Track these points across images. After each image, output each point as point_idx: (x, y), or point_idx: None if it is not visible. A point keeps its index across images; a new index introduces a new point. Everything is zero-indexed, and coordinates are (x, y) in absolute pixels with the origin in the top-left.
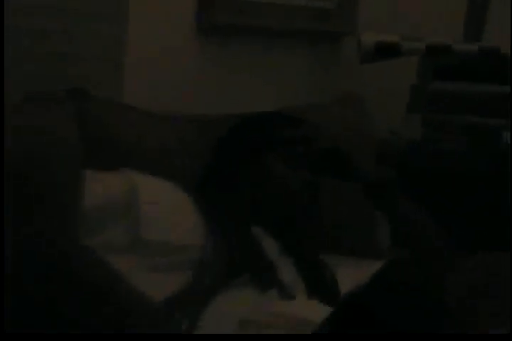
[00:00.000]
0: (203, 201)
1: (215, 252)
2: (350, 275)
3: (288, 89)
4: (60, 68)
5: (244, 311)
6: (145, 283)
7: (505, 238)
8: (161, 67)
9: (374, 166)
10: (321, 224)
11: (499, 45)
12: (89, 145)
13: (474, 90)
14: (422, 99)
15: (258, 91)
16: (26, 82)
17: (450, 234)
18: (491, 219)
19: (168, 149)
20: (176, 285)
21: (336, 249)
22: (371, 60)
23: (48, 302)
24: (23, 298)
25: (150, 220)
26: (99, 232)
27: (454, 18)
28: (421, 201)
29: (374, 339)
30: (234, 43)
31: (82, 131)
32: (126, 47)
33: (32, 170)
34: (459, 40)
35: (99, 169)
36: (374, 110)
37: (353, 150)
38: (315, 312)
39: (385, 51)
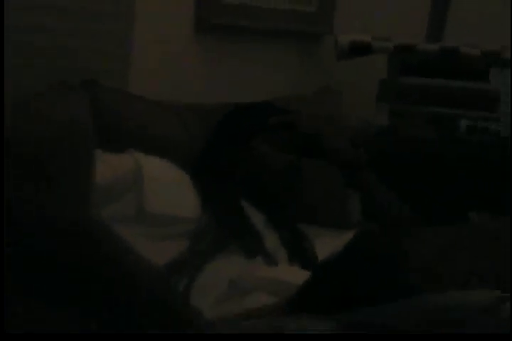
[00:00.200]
0: (199, 179)
1: (209, 223)
2: (326, 244)
3: (275, 82)
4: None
5: (234, 274)
6: (148, 250)
7: (461, 211)
8: (163, 62)
9: (348, 149)
10: (301, 199)
11: (458, 44)
12: (100, 129)
13: (435, 84)
14: (390, 92)
15: (249, 84)
16: (39, 74)
17: (413, 208)
18: (448, 196)
19: (169, 133)
20: (175, 252)
21: (314, 221)
22: (346, 57)
23: (61, 267)
24: (37, 266)
25: (153, 195)
26: (108, 206)
27: (418, 21)
28: (388, 180)
29: (374, 339)
30: (229, 42)
31: (95, 116)
32: (132, 45)
33: (52, 147)
34: (422, 40)
35: (109, 150)
36: (349, 100)
37: (330, 135)
38: (295, 276)
39: (359, 49)
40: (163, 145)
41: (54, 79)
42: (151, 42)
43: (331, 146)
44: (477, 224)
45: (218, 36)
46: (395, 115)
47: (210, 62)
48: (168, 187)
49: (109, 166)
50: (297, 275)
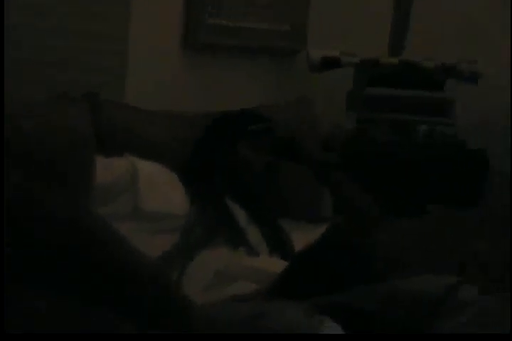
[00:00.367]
0: (188, 179)
1: (197, 219)
2: (301, 236)
3: (255, 93)
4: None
5: (220, 265)
6: (143, 243)
7: (419, 207)
8: (155, 76)
9: (321, 152)
10: (279, 196)
11: (417, 58)
12: (99, 136)
13: (397, 94)
14: (357, 101)
15: (232, 94)
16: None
17: (379, 203)
18: (410, 191)
19: (161, 139)
20: (167, 245)
21: (290, 216)
22: (318, 71)
23: (61, 259)
24: (36, 259)
25: (147, 194)
26: (106, 203)
27: (381, 37)
28: (357, 178)
29: (373, 339)
30: (213, 57)
31: (94, 124)
32: (127, 61)
33: (54, 154)
34: (385, 54)
35: (108, 155)
36: (322, 109)
37: (305, 140)
38: (275, 265)
39: (329, 64)
40: (155, 151)
41: (57, 92)
42: (144, 58)
43: (304, 149)
44: (434, 216)
45: (204, 52)
46: (362, 122)
47: (196, 76)
48: (161, 187)
49: (107, 169)
50: (277, 265)
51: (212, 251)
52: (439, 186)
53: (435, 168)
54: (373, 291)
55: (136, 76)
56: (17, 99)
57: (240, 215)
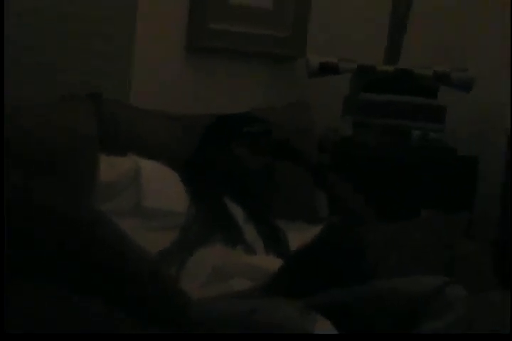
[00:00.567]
0: (189, 178)
1: (196, 217)
2: (297, 236)
3: (255, 96)
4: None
5: (218, 262)
6: (144, 240)
7: (411, 210)
8: (159, 78)
9: (316, 154)
10: (275, 196)
11: (412, 66)
12: (104, 136)
13: (392, 100)
14: (353, 106)
15: (232, 97)
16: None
17: (372, 205)
18: (403, 196)
19: (163, 140)
20: (166, 242)
21: (286, 216)
22: (316, 76)
23: (62, 256)
24: (42, 254)
25: (148, 192)
26: (109, 201)
27: (378, 45)
28: (351, 180)
29: (373, 339)
30: (215, 61)
31: (99, 125)
32: (132, 64)
33: (58, 153)
34: (381, 62)
35: (111, 154)
36: (318, 113)
37: (301, 142)
38: (271, 263)
39: (327, 70)
40: (157, 150)
41: (63, 93)
42: (148, 61)
43: (300, 151)
44: (426, 219)
45: (206, 56)
46: (357, 126)
47: (198, 78)
48: (162, 186)
49: (111, 167)
50: (273, 263)
51: (210, 249)
52: (430, 190)
53: (427, 172)
54: (363, 291)
55: (140, 78)
56: (21, 100)
57: (238, 214)
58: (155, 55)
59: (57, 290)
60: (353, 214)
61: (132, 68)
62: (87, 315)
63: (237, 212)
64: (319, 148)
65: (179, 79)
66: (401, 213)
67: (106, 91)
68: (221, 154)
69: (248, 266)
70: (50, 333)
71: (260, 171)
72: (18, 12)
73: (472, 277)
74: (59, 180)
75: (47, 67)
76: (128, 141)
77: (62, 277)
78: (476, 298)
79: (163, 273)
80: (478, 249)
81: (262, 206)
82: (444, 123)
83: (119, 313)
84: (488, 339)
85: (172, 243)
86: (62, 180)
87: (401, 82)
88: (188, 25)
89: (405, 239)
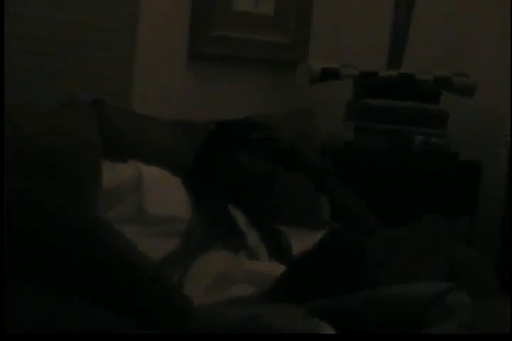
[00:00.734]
0: (191, 184)
1: (199, 223)
2: (299, 241)
3: (257, 102)
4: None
5: (220, 268)
6: (146, 246)
7: (413, 215)
8: (161, 84)
9: (318, 160)
10: (278, 202)
11: (414, 71)
12: (105, 142)
13: (394, 105)
14: (355, 112)
15: (234, 103)
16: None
17: (375, 210)
18: (403, 202)
19: (165, 146)
20: (169, 248)
21: (289, 222)
22: (318, 82)
23: (66, 259)
24: (47, 258)
25: (151, 198)
26: (112, 207)
27: (380, 51)
28: (353, 186)
29: (373, 339)
30: (217, 68)
31: (102, 131)
32: (135, 71)
33: (61, 159)
34: (383, 67)
35: (114, 160)
36: (320, 118)
37: (303, 148)
38: (274, 269)
39: (329, 75)
40: (159, 156)
41: (66, 99)
42: (150, 68)
43: (302, 157)
44: (428, 225)
45: (207, 63)
46: (359, 131)
47: (200, 85)
48: (164, 191)
49: (114, 173)
50: (275, 269)
51: (213, 255)
52: (432, 196)
53: (429, 177)
54: (365, 296)
55: (142, 84)
56: (25, 105)
57: (240, 220)
58: (157, 61)
59: (57, 291)
60: (355, 219)
61: (134, 75)
62: (87, 315)
63: (240, 217)
64: (321, 154)
65: (181, 86)
66: (403, 218)
67: (108, 98)
68: (223, 160)
69: (251, 271)
70: (50, 333)
71: (262, 177)
72: (17, 20)
73: (473, 283)
74: (61, 187)
75: (49, 73)
76: (130, 147)
77: (62, 280)
78: (477, 304)
79: (165, 279)
80: (479, 254)
81: (265, 212)
82: (446, 128)
83: (119, 315)
84: (489, 340)
85: (174, 249)
86: (64, 187)
87: (403, 88)
88: (189, 32)
89: (407, 244)
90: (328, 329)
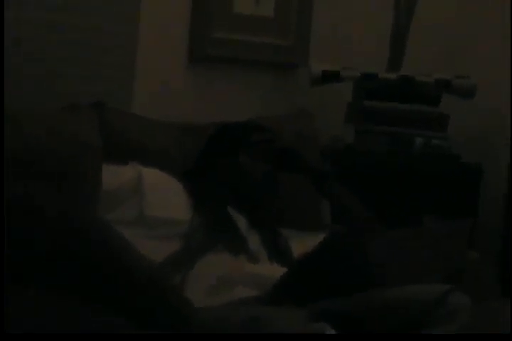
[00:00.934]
0: (192, 186)
1: (200, 225)
2: (300, 244)
3: (257, 104)
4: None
5: (221, 270)
6: (146, 248)
7: (414, 217)
8: (161, 87)
9: (319, 162)
10: (278, 205)
11: (414, 73)
12: (106, 145)
13: (394, 107)
14: (355, 114)
15: (235, 105)
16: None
17: (375, 212)
18: (404, 203)
19: (165, 148)
20: (170, 251)
21: (290, 224)
22: (319, 84)
23: (65, 261)
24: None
25: (151, 201)
26: (112, 210)
27: (380, 53)
28: (354, 188)
29: (372, 339)
30: (218, 70)
31: (102, 133)
32: (136, 74)
33: (62, 162)
34: (383, 69)
35: (115, 163)
36: (320, 121)
37: (303, 150)
38: (274, 271)
39: (329, 77)
40: (160, 159)
41: (67, 102)
42: (152, 70)
43: (303, 159)
44: (428, 226)
45: (208, 65)
46: (359, 133)
47: (201, 87)
48: (165, 194)
49: (114, 176)
50: (276, 271)
51: (214, 257)
52: (433, 197)
53: (430, 179)
54: (366, 298)
55: (142, 87)
56: (26, 108)
57: (241, 222)
58: (157, 63)
59: (57, 291)
60: (355, 221)
61: (135, 77)
62: (87, 315)
63: (240, 220)
64: (322, 156)
65: (182, 88)
66: (404, 220)
67: (108, 100)
68: (224, 162)
69: (251, 274)
70: (50, 333)
71: (263, 179)
72: (18, 23)
73: (474, 284)
74: (62, 189)
75: (49, 75)
76: (130, 150)
77: (62, 280)
78: (477, 306)
79: (164, 281)
80: (479, 256)
81: (265, 214)
82: (446, 130)
83: (119, 316)
84: (489, 340)
85: (175, 251)
86: (65, 189)
87: (403, 90)
88: (190, 34)
89: (407, 246)
90: (332, 332)
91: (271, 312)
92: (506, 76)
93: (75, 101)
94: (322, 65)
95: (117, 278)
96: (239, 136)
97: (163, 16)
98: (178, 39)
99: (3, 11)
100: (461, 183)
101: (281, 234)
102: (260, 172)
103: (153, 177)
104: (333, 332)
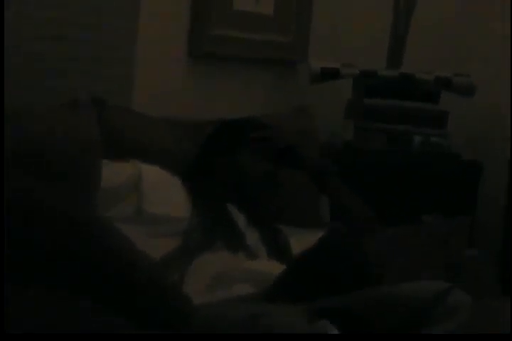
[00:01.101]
0: (191, 184)
1: (199, 222)
2: (299, 241)
3: (257, 101)
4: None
5: (220, 267)
6: (146, 246)
7: (413, 215)
8: (161, 83)
9: (316, 159)
10: (277, 202)
11: (413, 70)
12: (106, 142)
13: (394, 104)
14: (355, 111)
15: (234, 103)
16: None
17: (374, 210)
18: (403, 201)
19: (165, 145)
20: (169, 248)
21: (289, 221)
22: (318, 81)
23: (64, 258)
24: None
25: (150, 198)
26: (111, 207)
27: (380, 50)
28: (353, 185)
29: (373, 339)
30: (217, 67)
31: (102, 130)
32: (136, 71)
33: (61, 158)
34: (383, 66)
35: (114, 160)
36: (320, 118)
37: (303, 148)
38: (273, 268)
39: (329, 74)
40: (159, 156)
41: (67, 98)
42: (151, 67)
43: (303, 157)
44: (428, 225)
45: (208, 62)
46: (358, 130)
47: (200, 84)
48: (164, 191)
49: (114, 173)
50: (275, 268)
51: (212, 254)
52: (432, 195)
53: (429, 177)
54: (366, 296)
55: (142, 84)
56: (25, 105)
57: (240, 219)
58: (157, 60)
59: (57, 291)
60: (354, 219)
61: (135, 74)
62: (87, 315)
63: (240, 217)
64: (321, 153)
65: (181, 85)
66: (403, 218)
67: (108, 97)
68: (223, 159)
69: (250, 271)
70: (50, 333)
71: (263, 177)
72: (17, 19)
73: (473, 283)
74: (61, 186)
75: (49, 73)
76: (130, 147)
77: (62, 280)
78: (477, 304)
79: (164, 279)
80: (479, 254)
81: (265, 211)
82: (446, 128)
83: (119, 315)
84: (489, 340)
85: (174, 249)
86: (64, 186)
87: (403, 87)
88: (189, 31)
89: (407, 244)
90: (332, 329)
91: (271, 310)
92: (506, 74)
93: (74, 98)
94: (321, 62)
95: (117, 278)
96: (238, 134)
97: (162, 13)
98: (178, 36)
99: (3, 11)
100: (460, 181)
101: (281, 231)
102: (260, 169)
103: (153, 174)
104: (335, 331)
